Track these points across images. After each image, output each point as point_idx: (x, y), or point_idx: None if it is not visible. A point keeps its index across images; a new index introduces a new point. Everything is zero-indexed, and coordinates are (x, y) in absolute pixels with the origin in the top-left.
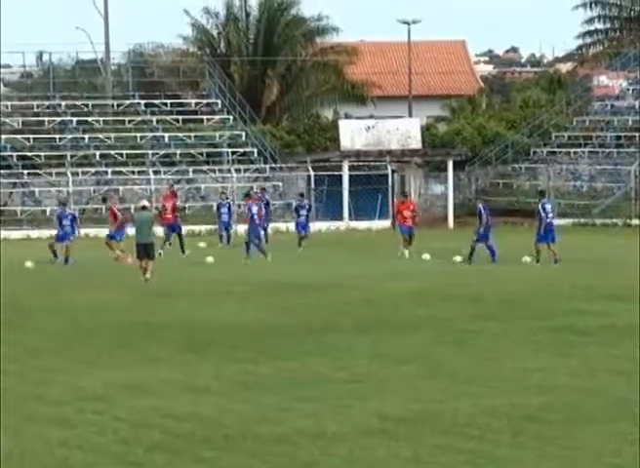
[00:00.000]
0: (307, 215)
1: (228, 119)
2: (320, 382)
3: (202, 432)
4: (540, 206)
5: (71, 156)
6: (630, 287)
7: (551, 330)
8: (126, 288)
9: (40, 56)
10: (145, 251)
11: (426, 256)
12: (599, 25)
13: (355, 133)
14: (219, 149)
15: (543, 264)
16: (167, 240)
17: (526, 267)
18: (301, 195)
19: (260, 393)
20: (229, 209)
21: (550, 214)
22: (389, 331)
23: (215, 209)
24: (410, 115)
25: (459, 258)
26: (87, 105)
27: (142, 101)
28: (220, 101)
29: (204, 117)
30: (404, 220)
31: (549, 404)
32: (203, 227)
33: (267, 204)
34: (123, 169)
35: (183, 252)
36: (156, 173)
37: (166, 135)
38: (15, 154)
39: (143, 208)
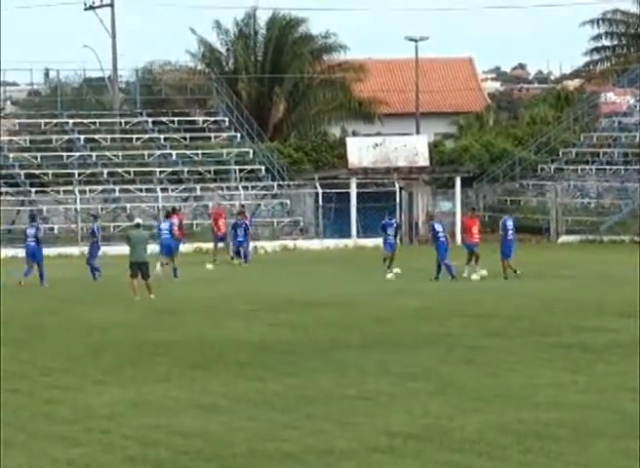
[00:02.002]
0: (396, 234)
1: (236, 136)
2: (328, 399)
3: (210, 450)
4: (501, 222)
5: (79, 174)
6: (638, 303)
7: (560, 346)
8: (134, 305)
9: (47, 73)
10: (140, 270)
11: (479, 275)
12: (606, 42)
13: (363, 150)
14: (226, 167)
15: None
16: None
17: (535, 283)
18: (390, 212)
19: (267, 410)
20: (246, 229)
21: (510, 231)
22: (397, 347)
23: (230, 228)
24: (417, 132)
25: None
26: (94, 123)
27: (150, 119)
28: (227, 119)
29: (211, 134)
30: (472, 237)
31: (558, 420)
32: (212, 245)
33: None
34: (130, 186)
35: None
36: (164, 190)
37: (173, 152)
38: (22, 172)
39: (137, 226)
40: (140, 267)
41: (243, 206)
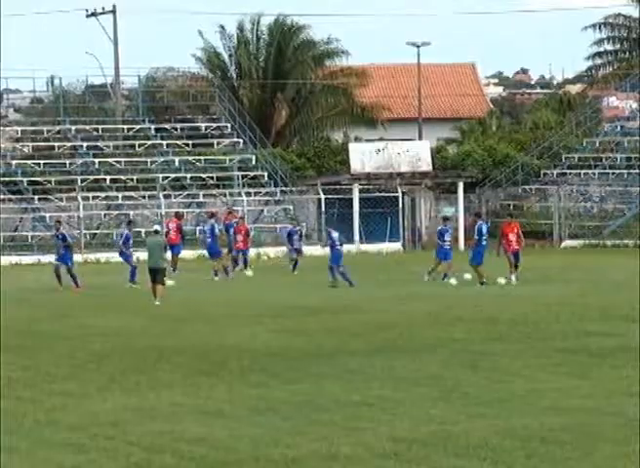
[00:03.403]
0: (450, 241)
1: (238, 142)
2: (333, 405)
3: (215, 456)
4: (476, 227)
5: (82, 181)
6: None
7: (565, 351)
8: (139, 312)
9: (52, 80)
10: (155, 275)
11: (468, 276)
12: (608, 46)
13: (365, 155)
14: (229, 173)
15: (538, 284)
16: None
17: (538, 288)
18: (446, 219)
19: (272, 416)
20: (301, 235)
21: (485, 237)
22: (402, 353)
23: (285, 235)
24: (420, 137)
25: (468, 276)
26: (97, 130)
27: (153, 126)
28: (230, 125)
29: (214, 141)
30: (509, 244)
31: (563, 425)
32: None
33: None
34: (133, 193)
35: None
36: (167, 197)
37: (176, 159)
38: (25, 179)
39: (156, 232)
40: (155, 273)
41: (231, 212)
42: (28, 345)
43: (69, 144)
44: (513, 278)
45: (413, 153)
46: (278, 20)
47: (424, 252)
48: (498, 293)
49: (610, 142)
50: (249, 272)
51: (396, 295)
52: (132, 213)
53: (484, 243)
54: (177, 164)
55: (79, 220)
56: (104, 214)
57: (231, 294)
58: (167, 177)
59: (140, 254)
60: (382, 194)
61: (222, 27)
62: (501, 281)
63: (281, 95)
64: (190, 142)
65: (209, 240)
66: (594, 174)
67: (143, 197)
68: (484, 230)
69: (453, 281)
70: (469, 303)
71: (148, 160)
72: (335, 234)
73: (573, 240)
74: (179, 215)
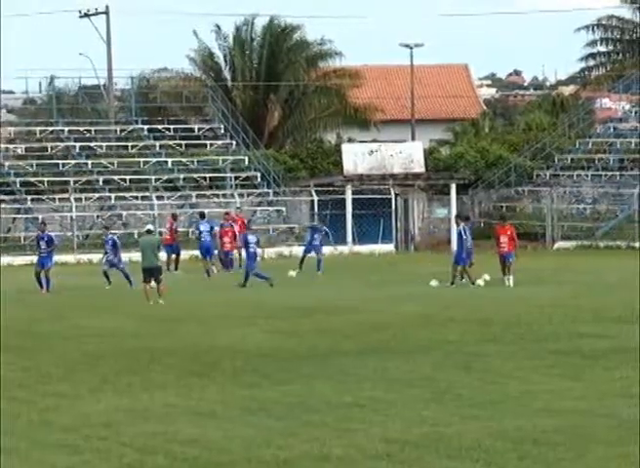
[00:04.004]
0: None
1: (231, 144)
2: (325, 406)
3: (207, 457)
4: (462, 229)
5: (75, 182)
6: (635, 309)
7: (558, 352)
8: (133, 313)
9: (51, 80)
10: (151, 275)
11: (434, 283)
12: (602, 48)
13: (358, 157)
14: (222, 174)
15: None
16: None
17: (531, 289)
18: (467, 218)
19: (264, 417)
20: (324, 234)
21: (470, 238)
22: (395, 354)
23: (307, 231)
24: (413, 139)
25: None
26: (90, 131)
27: (145, 126)
28: (223, 126)
29: (207, 142)
30: (499, 246)
31: (555, 426)
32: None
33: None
34: (126, 194)
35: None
36: (159, 198)
37: (169, 160)
38: (18, 180)
39: (148, 232)
40: (150, 273)
41: (228, 213)
42: (22, 345)
43: (62, 145)
44: (506, 281)
45: (405, 154)
46: (272, 22)
47: (417, 253)
48: (491, 295)
49: (603, 144)
50: (292, 272)
51: (389, 296)
52: (124, 213)
53: (469, 244)
54: (169, 165)
55: (72, 221)
56: (97, 216)
57: (224, 295)
58: (160, 178)
59: (133, 255)
60: (375, 195)
61: (218, 27)
62: (481, 283)
63: (274, 96)
64: (183, 143)
65: (208, 239)
66: (587, 175)
67: (136, 198)
68: (469, 232)
69: (433, 283)
70: (463, 304)
71: (141, 161)
72: (251, 237)
73: (565, 241)
74: (173, 216)
